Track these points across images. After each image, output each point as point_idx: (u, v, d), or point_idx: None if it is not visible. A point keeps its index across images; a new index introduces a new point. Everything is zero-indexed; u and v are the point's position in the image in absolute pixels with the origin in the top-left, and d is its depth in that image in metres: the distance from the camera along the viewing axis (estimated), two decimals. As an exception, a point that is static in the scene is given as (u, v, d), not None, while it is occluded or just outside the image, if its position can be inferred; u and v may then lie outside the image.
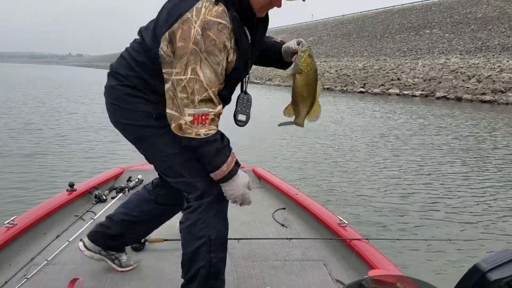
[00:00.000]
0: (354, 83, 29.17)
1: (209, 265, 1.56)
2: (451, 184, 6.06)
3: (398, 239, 2.79)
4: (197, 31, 1.28)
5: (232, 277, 1.63)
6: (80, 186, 2.85)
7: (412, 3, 56.75)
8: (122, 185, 2.96)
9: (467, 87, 22.55)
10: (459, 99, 21.38)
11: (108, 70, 1.58)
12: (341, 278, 1.94)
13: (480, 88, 21.79)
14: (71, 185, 2.78)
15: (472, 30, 39.01)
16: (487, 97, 20.43)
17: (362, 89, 27.25)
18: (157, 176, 1.87)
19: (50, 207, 2.48)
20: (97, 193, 2.81)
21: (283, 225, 2.60)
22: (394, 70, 31.21)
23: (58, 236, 2.25)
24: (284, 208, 2.86)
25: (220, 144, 1.43)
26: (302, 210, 2.69)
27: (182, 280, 1.89)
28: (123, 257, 1.96)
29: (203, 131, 1.37)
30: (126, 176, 3.19)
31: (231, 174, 1.47)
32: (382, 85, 27.05)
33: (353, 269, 2.04)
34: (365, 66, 35.00)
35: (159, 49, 1.37)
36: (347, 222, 2.35)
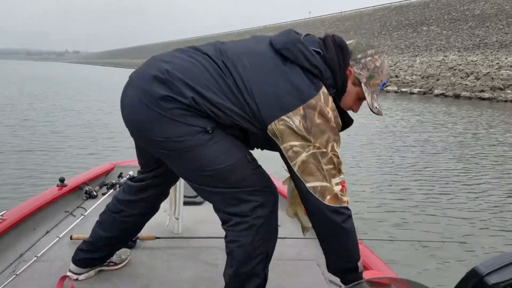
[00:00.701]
0: (352, 80, 29.07)
1: (263, 281, 1.48)
2: (446, 182, 6.01)
3: (391, 240, 2.73)
4: (333, 115, 1.33)
5: None
6: (71, 182, 2.79)
7: (409, 0, 56.72)
8: (113, 181, 2.89)
9: (466, 84, 22.54)
10: (457, 96, 21.36)
11: (161, 75, 1.32)
12: (334, 279, 1.88)
13: (479, 85, 21.77)
14: (62, 180, 2.72)
15: (470, 27, 39.01)
16: (486, 95, 20.42)
17: (360, 86, 27.16)
18: (132, 180, 1.74)
19: (40, 202, 2.43)
20: (87, 189, 2.76)
21: None
22: (392, 67, 31.17)
23: (48, 232, 2.20)
24: None
25: None
26: None
27: (173, 277, 1.86)
28: (114, 257, 1.91)
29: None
30: (117, 172, 3.13)
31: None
32: (380, 82, 26.95)
33: None
34: (363, 63, 34.85)
35: (290, 122, 1.29)
36: None
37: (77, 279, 1.79)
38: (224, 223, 1.44)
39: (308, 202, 1.34)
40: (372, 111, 1.43)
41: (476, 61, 27.79)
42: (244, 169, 1.37)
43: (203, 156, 1.33)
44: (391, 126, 11.34)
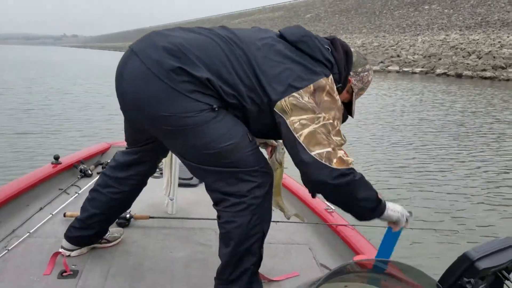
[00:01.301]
0: (353, 60, 28.88)
1: (259, 260, 1.49)
2: (443, 160, 6.00)
3: (384, 227, 2.76)
4: (337, 97, 1.40)
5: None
6: (65, 160, 2.77)
7: (411, -22, 55.78)
8: (109, 161, 2.84)
9: (467, 64, 22.36)
10: (459, 75, 21.20)
11: (174, 47, 1.29)
12: (325, 263, 1.91)
13: (481, 64, 21.60)
14: (56, 158, 2.69)
15: (472, 5, 38.53)
16: (488, 74, 20.26)
17: (360, 67, 26.98)
18: (116, 158, 1.72)
19: (34, 179, 2.41)
20: (82, 167, 2.73)
21: None
22: (393, 47, 30.91)
23: (41, 208, 2.19)
24: None
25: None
26: (289, 193, 2.61)
27: (166, 256, 1.86)
28: (107, 234, 1.90)
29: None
30: (112, 152, 3.10)
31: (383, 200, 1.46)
32: (382, 62, 26.82)
33: (338, 254, 2.02)
34: (364, 43, 34.60)
35: (299, 98, 1.33)
36: (333, 208, 2.31)
37: (69, 256, 1.77)
38: (217, 204, 1.43)
39: (314, 170, 1.32)
40: (352, 116, 1.58)
41: (477, 40, 27.52)
42: (245, 148, 1.37)
43: (208, 134, 1.31)
44: (390, 106, 11.30)
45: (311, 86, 1.34)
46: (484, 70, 20.81)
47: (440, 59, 24.61)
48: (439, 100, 12.55)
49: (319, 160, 1.30)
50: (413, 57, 26.33)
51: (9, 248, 1.78)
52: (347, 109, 1.56)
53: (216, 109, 1.31)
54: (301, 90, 1.33)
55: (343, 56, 1.44)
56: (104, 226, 1.82)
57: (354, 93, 1.53)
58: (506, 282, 0.88)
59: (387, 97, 13.36)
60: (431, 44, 29.16)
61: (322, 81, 1.35)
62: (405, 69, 24.44)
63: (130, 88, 1.34)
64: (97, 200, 1.72)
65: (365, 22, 45.10)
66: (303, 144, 1.31)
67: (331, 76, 1.39)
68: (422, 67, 23.92)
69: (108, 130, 7.38)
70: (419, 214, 3.98)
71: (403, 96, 13.46)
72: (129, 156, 1.68)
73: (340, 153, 1.34)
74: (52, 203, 2.28)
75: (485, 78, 19.99)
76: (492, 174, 5.40)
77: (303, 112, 1.32)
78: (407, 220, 1.53)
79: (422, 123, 8.81)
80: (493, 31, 29.65)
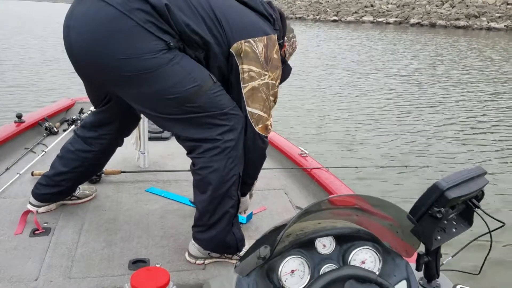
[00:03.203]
0: (327, 11, 28.40)
1: (237, 202, 1.49)
2: (407, 111, 6.19)
3: (356, 167, 2.85)
4: (280, 55, 1.48)
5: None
6: (29, 118, 2.67)
7: None
8: (74, 117, 2.78)
9: (441, 13, 22.34)
10: (433, 25, 21.21)
11: None
12: (300, 204, 1.98)
13: (454, 14, 21.61)
14: (19, 116, 2.59)
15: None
16: (461, 23, 20.34)
17: (335, 18, 26.60)
18: (86, 118, 1.71)
19: None
20: (47, 125, 2.65)
21: None
22: (368, -4, 30.42)
23: (7, 168, 2.13)
24: None
25: None
26: None
27: (141, 209, 1.86)
28: (77, 191, 1.86)
29: None
30: (77, 108, 3.01)
31: None
32: (356, 12, 26.46)
33: (313, 196, 2.08)
34: (338, -7, 33.89)
35: (254, 46, 1.38)
36: (307, 152, 2.35)
37: (37, 212, 1.74)
38: (191, 151, 1.41)
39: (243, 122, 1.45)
40: (281, 83, 1.59)
41: (452, -13, 27.33)
42: (210, 90, 1.34)
43: (167, 77, 1.28)
44: (357, 55, 11.37)
45: (265, 37, 1.40)
46: (458, 19, 20.87)
47: (413, 8, 24.48)
48: (408, 50, 12.70)
49: (249, 118, 1.42)
50: (387, 7, 26.07)
51: None
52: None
53: (172, 46, 1.27)
54: (256, 38, 1.38)
55: (279, 17, 1.52)
56: (72, 184, 1.78)
57: (286, 58, 1.60)
58: (476, 210, 0.90)
59: (357, 47, 13.39)
60: (406, -8, 28.83)
61: (273, 36, 1.43)
62: (379, 20, 24.27)
63: (79, 34, 1.29)
64: (66, 159, 1.69)
65: (340, -29, 43.91)
66: (244, 97, 1.40)
67: (276, 33, 1.46)
68: (396, 17, 23.79)
69: (72, 83, 7.12)
70: (389, 163, 4.13)
71: (371, 46, 13.51)
72: (97, 116, 1.66)
73: (269, 121, 1.47)
74: (19, 163, 2.22)
75: (459, 27, 20.10)
76: (454, 116, 5.72)
77: (255, 64, 1.38)
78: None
79: (388, 72, 8.96)
80: (467, -22, 29.44)
